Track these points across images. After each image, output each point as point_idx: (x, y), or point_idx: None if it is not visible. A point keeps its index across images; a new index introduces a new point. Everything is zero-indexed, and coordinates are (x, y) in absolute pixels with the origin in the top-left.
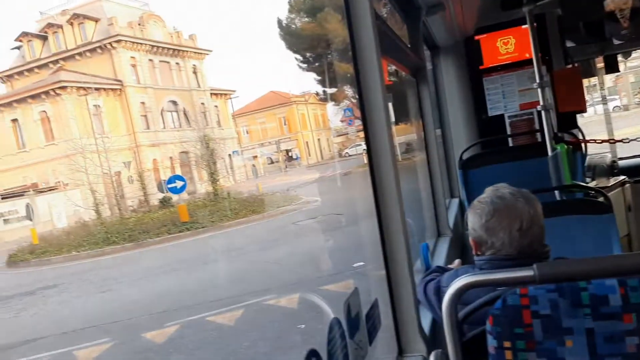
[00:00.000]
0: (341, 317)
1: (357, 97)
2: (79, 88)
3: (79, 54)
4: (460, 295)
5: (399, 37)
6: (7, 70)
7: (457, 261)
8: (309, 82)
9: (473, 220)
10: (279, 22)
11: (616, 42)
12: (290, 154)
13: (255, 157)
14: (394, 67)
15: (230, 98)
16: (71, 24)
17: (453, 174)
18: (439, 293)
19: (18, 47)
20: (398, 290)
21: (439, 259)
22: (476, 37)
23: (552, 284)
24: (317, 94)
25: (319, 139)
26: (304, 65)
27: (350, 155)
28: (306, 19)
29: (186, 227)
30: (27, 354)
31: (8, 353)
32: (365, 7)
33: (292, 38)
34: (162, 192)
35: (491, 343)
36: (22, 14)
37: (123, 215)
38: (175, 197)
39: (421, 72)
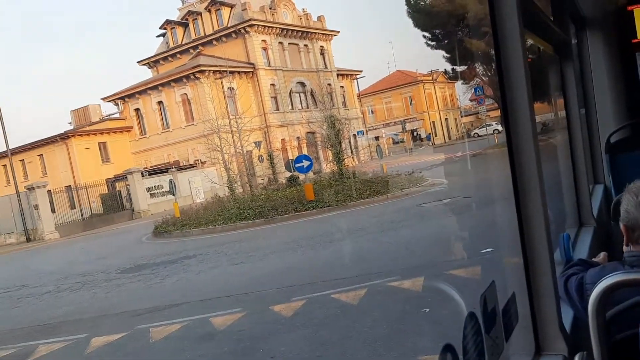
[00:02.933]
0: (473, 309)
1: (488, 74)
2: (215, 72)
3: (216, 39)
4: (608, 296)
5: (542, 11)
6: (153, 57)
7: (602, 254)
8: (437, 60)
9: (628, 201)
10: None
11: None
12: (415, 133)
13: (380, 137)
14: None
15: (356, 78)
16: (209, 10)
17: (598, 158)
18: (582, 290)
19: (162, 35)
20: (537, 283)
21: (581, 252)
22: (629, 8)
23: None
24: (445, 72)
25: (446, 119)
26: (432, 43)
27: (479, 136)
28: None
29: (312, 205)
30: (171, 317)
31: (156, 315)
32: None
33: (421, 15)
34: (290, 171)
35: None
36: (166, 2)
37: (254, 193)
38: (302, 176)
39: (565, 47)
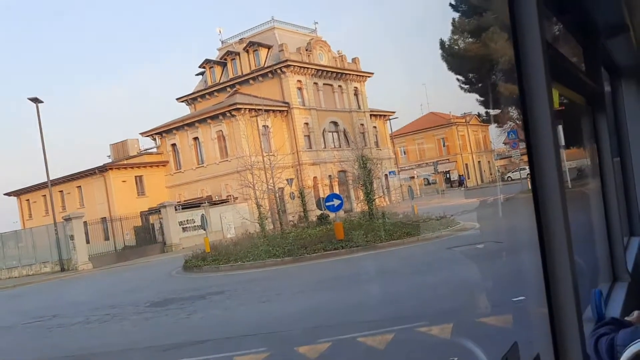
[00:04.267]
0: None
1: (521, 120)
2: (250, 110)
3: (253, 78)
4: None
5: (572, 62)
6: (191, 94)
7: (636, 313)
8: (471, 103)
9: None
10: (442, 43)
11: None
12: (448, 175)
13: (412, 177)
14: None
15: (389, 119)
16: (247, 51)
17: (634, 208)
18: (613, 351)
19: (201, 73)
20: (564, 343)
21: (614, 309)
22: None
23: None
24: (478, 115)
25: (479, 162)
26: (466, 86)
27: (512, 180)
28: (470, 40)
29: (341, 245)
30: (194, 355)
31: (182, 350)
32: (533, 30)
33: (455, 59)
34: (321, 209)
35: None
36: (206, 42)
37: (284, 230)
38: (332, 215)
39: (598, 98)
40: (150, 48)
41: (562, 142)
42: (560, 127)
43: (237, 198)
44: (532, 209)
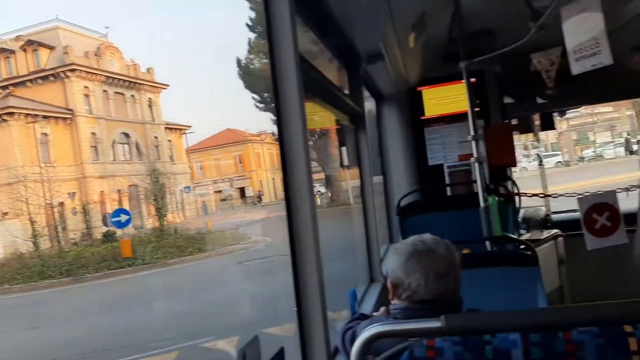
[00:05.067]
0: None
1: (312, 139)
2: (27, 115)
3: (31, 80)
4: (368, 346)
5: (333, 84)
6: None
7: (382, 309)
8: (266, 122)
9: (393, 260)
10: (238, 61)
11: (546, 100)
12: (244, 192)
13: (207, 193)
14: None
15: (185, 133)
16: (24, 50)
17: (392, 220)
18: (354, 340)
19: None
20: (309, 338)
21: (368, 306)
22: (419, 88)
23: (459, 336)
24: (273, 134)
25: (273, 179)
26: (261, 105)
27: None
28: (265, 60)
29: (128, 263)
30: None
31: None
32: (289, 51)
33: (251, 78)
34: (107, 225)
35: None
36: None
37: (62, 248)
38: (119, 232)
39: (359, 119)
40: None
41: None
42: (344, 148)
43: (6, 213)
44: (325, 223)
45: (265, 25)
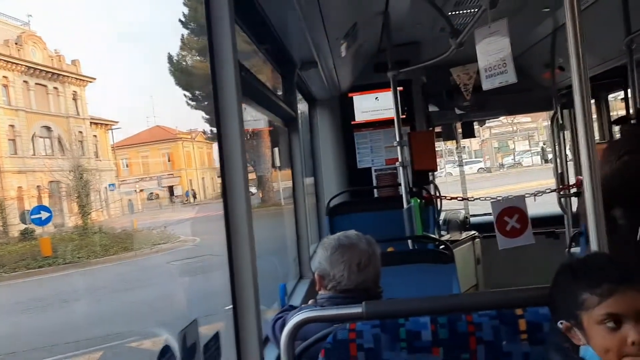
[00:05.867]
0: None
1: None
2: None
3: None
4: (297, 331)
5: (269, 88)
6: None
7: (311, 301)
8: (197, 120)
9: (320, 254)
10: (170, 58)
11: (466, 110)
12: (172, 191)
13: (133, 191)
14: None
15: (112, 129)
16: None
17: (322, 219)
18: (283, 328)
19: None
20: (243, 327)
21: (297, 299)
22: (350, 94)
23: (378, 320)
24: (204, 132)
25: (203, 178)
26: (193, 103)
27: None
28: (198, 57)
29: (47, 262)
30: None
31: None
32: (228, 57)
33: (182, 75)
34: (25, 223)
35: None
36: None
37: None
38: (39, 230)
39: (292, 122)
40: None
41: (278, 162)
42: (276, 149)
43: None
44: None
45: (207, 31)
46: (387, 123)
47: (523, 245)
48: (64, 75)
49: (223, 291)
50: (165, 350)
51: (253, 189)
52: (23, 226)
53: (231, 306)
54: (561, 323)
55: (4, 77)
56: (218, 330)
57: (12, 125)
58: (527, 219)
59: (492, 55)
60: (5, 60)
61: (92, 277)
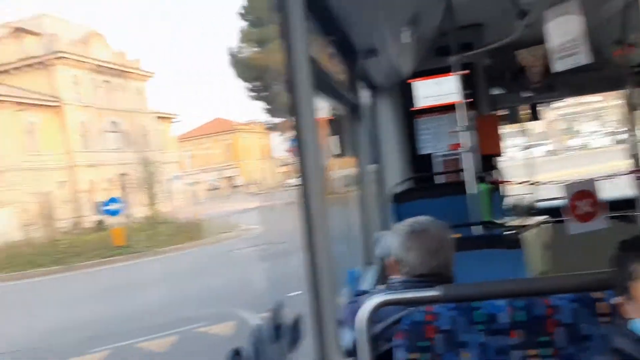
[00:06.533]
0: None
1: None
2: (13, 103)
3: (16, 68)
4: (374, 313)
5: (334, 78)
6: None
7: (381, 286)
8: (256, 111)
9: (393, 241)
10: (229, 50)
11: (533, 93)
12: (233, 181)
13: (196, 182)
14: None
15: (174, 122)
16: (10, 36)
17: (386, 207)
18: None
19: None
20: (321, 312)
21: (365, 285)
22: (409, 81)
23: (453, 303)
24: (263, 123)
25: (263, 168)
26: (252, 94)
27: (293, 186)
28: (256, 49)
29: (120, 251)
30: None
31: None
32: (301, 46)
33: (242, 67)
34: (98, 214)
35: (400, 356)
36: None
37: (53, 237)
38: (110, 220)
39: (356, 110)
40: None
41: (338, 150)
42: (334, 137)
43: None
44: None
45: (280, 24)
46: (448, 108)
47: (594, 230)
48: (127, 72)
49: (288, 276)
50: (255, 331)
51: None
52: (95, 217)
53: (297, 292)
54: (615, 299)
55: (73, 75)
56: (298, 313)
57: (82, 121)
58: (600, 202)
59: (564, 36)
60: (74, 59)
61: (160, 265)
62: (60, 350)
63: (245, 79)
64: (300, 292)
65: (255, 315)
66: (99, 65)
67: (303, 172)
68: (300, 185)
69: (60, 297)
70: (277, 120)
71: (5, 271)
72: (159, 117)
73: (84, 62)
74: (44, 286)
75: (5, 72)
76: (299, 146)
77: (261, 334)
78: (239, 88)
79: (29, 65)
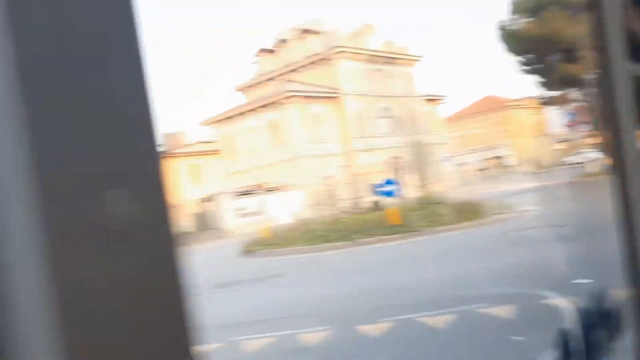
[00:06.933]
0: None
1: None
2: (302, 97)
3: (303, 65)
4: None
5: None
6: (245, 83)
7: None
8: (529, 85)
9: None
10: (499, 24)
11: None
12: (503, 160)
13: (464, 163)
14: None
15: (441, 103)
16: (298, 38)
17: None
18: None
19: (255, 62)
20: None
21: None
22: None
23: None
24: (536, 97)
25: (537, 146)
26: (525, 68)
27: (572, 164)
28: (530, 19)
29: (396, 230)
30: (258, 332)
31: (244, 328)
32: (615, 12)
33: (513, 40)
34: (374, 195)
35: None
36: (260, 32)
37: (337, 216)
38: (385, 201)
39: None
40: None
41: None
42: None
43: (291, 185)
44: (597, 192)
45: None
46: None
47: None
48: (396, 58)
49: (572, 263)
50: (582, 315)
51: (594, 154)
52: (372, 198)
53: (584, 280)
54: None
55: (349, 67)
56: (621, 302)
57: (358, 109)
58: None
59: None
60: (350, 52)
61: (436, 244)
62: (351, 317)
63: (517, 52)
64: (587, 280)
65: (560, 298)
66: (371, 55)
67: (615, 145)
68: (612, 160)
69: (345, 270)
70: (553, 93)
71: (304, 244)
72: (427, 100)
73: (358, 53)
74: (333, 258)
75: (295, 70)
76: (610, 117)
77: (588, 318)
78: (510, 63)
79: (313, 62)
